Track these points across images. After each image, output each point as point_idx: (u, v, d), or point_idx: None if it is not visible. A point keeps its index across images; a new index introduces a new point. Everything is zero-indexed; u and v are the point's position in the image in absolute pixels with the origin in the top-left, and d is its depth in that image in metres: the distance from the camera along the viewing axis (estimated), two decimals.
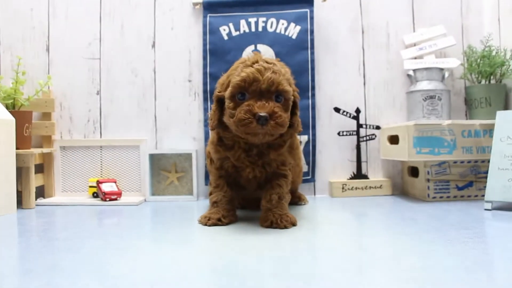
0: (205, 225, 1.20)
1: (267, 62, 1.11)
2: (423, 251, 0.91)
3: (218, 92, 1.17)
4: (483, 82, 1.70)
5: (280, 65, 1.15)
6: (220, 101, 1.17)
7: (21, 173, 1.57)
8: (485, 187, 1.41)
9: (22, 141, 1.59)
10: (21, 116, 1.60)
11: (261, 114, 1.05)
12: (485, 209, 1.37)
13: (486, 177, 1.42)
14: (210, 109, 1.75)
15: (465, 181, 1.60)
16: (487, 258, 0.86)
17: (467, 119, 1.81)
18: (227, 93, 1.12)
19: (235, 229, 1.16)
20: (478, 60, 1.68)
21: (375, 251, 0.93)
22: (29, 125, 1.64)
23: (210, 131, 1.75)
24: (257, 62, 1.11)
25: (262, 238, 1.05)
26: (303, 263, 0.83)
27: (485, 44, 1.70)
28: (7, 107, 1.60)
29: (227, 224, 1.21)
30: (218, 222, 1.20)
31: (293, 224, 1.18)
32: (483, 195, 1.49)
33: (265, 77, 1.07)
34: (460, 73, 1.78)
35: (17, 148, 1.54)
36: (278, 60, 1.18)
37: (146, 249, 0.98)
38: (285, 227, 1.15)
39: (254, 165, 1.21)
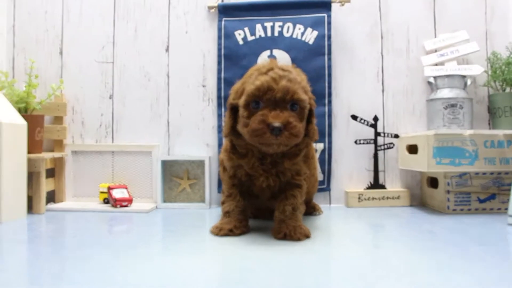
0: (217, 235, 1.18)
1: (282, 70, 1.08)
2: (440, 267, 0.87)
3: (232, 99, 1.14)
4: (507, 90, 1.64)
5: (296, 72, 1.11)
6: (234, 109, 1.14)
7: (31, 177, 1.56)
8: (508, 200, 1.35)
9: (33, 145, 1.58)
10: (33, 120, 1.58)
11: (275, 124, 1.02)
12: (509, 224, 1.31)
13: (509, 190, 1.37)
14: (224, 115, 1.73)
15: (487, 194, 1.54)
16: (509, 277, 0.81)
17: (490, 128, 1.75)
18: (241, 102, 1.09)
19: (247, 239, 1.13)
20: (503, 67, 1.62)
21: (390, 265, 0.89)
22: (41, 129, 1.63)
23: (223, 138, 1.73)
24: (272, 69, 1.08)
25: (274, 250, 1.02)
26: (314, 276, 0.81)
27: (510, 51, 1.64)
28: (19, 110, 1.59)
29: (239, 234, 1.18)
30: (230, 233, 1.17)
31: (307, 236, 1.15)
32: (506, 209, 1.43)
33: (280, 86, 1.04)
34: (484, 80, 1.72)
35: (28, 152, 1.53)
36: (294, 67, 1.15)
37: (155, 258, 0.96)
38: (299, 239, 1.12)
39: (268, 174, 1.18)
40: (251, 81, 1.08)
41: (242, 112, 1.09)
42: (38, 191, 1.56)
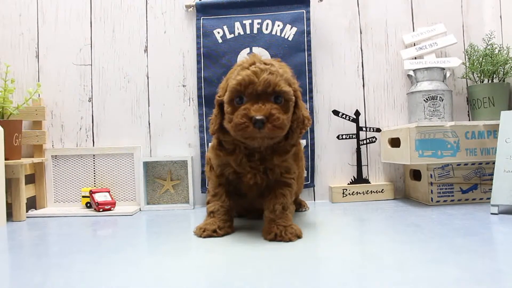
0: (200, 236, 1.16)
1: (264, 63, 1.07)
2: (428, 261, 0.86)
3: (219, 96, 1.13)
4: (485, 81, 1.66)
5: (279, 65, 1.10)
6: (221, 105, 1.13)
7: (10, 184, 1.53)
8: (490, 189, 1.36)
9: (11, 151, 1.54)
10: (10, 126, 1.55)
11: (257, 117, 1.01)
12: (492, 213, 1.32)
13: (491, 179, 1.38)
14: (206, 114, 1.72)
15: (469, 184, 1.55)
16: (497, 267, 0.81)
17: (469, 119, 1.77)
18: (225, 98, 1.08)
19: (233, 240, 1.12)
20: (480, 58, 1.63)
21: (378, 261, 0.88)
22: (19, 134, 1.59)
23: (206, 138, 1.71)
24: (254, 64, 1.07)
25: (260, 249, 1.00)
26: (302, 276, 0.79)
27: (487, 42, 1.65)
28: None
29: (222, 235, 1.16)
30: (214, 234, 1.15)
31: (299, 237, 1.11)
32: (489, 198, 1.45)
33: (261, 79, 1.03)
34: (462, 72, 1.73)
35: (6, 159, 1.49)
36: (279, 61, 1.14)
37: (139, 262, 0.94)
38: (290, 240, 1.08)
39: (255, 171, 1.16)
40: (233, 76, 1.07)
41: (226, 108, 1.08)
42: (18, 197, 1.52)
